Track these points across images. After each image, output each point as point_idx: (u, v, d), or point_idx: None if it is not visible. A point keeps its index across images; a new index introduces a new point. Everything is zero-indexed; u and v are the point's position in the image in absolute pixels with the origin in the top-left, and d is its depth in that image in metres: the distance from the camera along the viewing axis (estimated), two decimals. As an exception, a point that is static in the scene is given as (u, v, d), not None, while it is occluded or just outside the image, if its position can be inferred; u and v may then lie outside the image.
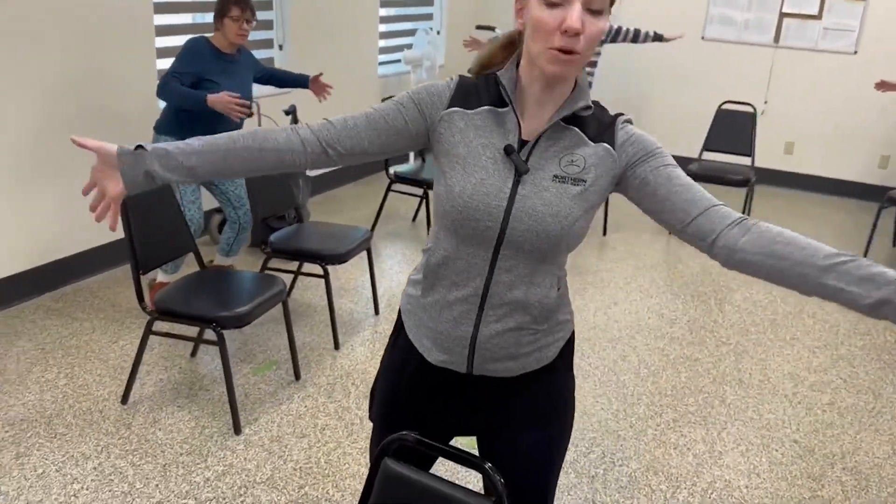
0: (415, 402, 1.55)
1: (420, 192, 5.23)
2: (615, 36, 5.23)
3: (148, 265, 2.93)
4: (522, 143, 1.36)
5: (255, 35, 5.07)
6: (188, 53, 3.50)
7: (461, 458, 1.31)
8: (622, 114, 1.41)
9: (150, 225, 2.93)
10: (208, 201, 4.39)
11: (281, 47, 5.27)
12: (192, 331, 3.25)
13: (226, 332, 2.82)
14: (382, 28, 6.32)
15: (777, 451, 2.95)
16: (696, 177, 5.26)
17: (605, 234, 5.35)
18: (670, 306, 4.23)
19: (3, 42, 3.47)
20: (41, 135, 3.73)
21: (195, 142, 1.36)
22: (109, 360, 3.32)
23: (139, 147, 1.33)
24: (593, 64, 5.52)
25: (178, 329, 3.13)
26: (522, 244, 1.35)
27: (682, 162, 6.82)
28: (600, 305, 4.18)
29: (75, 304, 3.83)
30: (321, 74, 4.16)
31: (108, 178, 1.35)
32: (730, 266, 1.29)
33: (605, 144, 1.36)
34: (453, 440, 1.57)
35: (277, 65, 5.28)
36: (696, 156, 5.83)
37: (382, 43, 6.37)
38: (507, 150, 1.34)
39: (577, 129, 1.36)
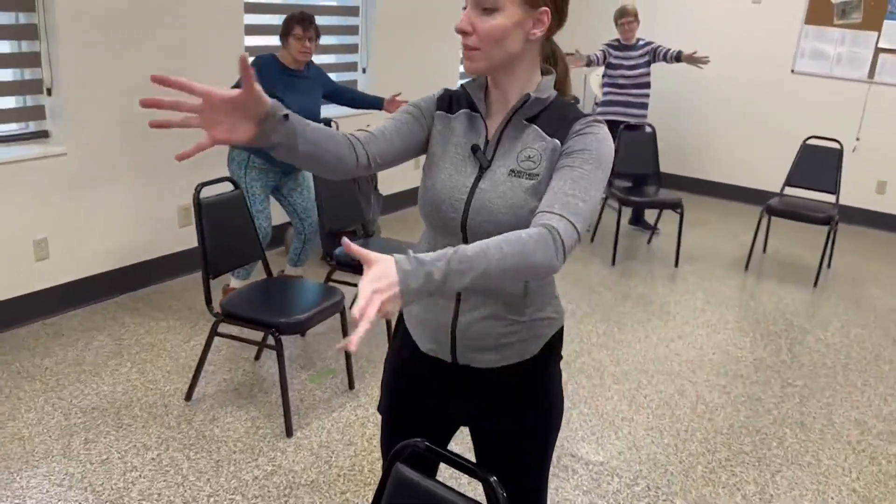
0: (413, 390, 1.65)
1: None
2: (654, 55, 5.49)
3: (218, 270, 3.10)
4: (489, 142, 1.47)
5: (340, 58, 5.27)
6: (256, 70, 3.68)
7: (467, 468, 1.36)
8: (590, 115, 1.43)
9: (221, 232, 3.10)
10: (281, 214, 4.58)
11: (364, 70, 5.46)
12: (257, 335, 3.40)
13: (286, 339, 2.94)
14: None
15: (833, 499, 2.83)
16: (777, 212, 5.13)
17: (676, 265, 5.26)
18: (737, 343, 4.13)
19: (94, 42, 3.75)
20: (127, 139, 3.99)
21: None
22: (179, 359, 3.50)
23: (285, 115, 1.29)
24: (646, 85, 5.57)
25: (245, 333, 3.28)
26: (481, 234, 1.41)
27: (763, 196, 6.73)
28: (663, 338, 4.12)
29: (154, 304, 4.06)
30: (399, 94, 4.28)
31: (228, 124, 1.24)
32: None
33: (557, 140, 1.41)
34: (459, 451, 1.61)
35: (360, 88, 5.46)
36: (777, 190, 5.67)
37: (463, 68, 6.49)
38: (473, 149, 1.46)
39: (535, 126, 1.44)
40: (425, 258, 1.16)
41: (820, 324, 4.46)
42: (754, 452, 3.09)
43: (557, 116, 1.43)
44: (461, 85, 1.52)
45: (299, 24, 3.65)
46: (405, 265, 1.14)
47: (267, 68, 3.69)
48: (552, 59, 1.49)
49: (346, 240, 1.16)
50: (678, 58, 5.49)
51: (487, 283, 1.21)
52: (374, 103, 4.23)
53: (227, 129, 1.24)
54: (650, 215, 6.27)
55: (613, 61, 5.56)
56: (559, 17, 1.41)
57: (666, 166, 7.27)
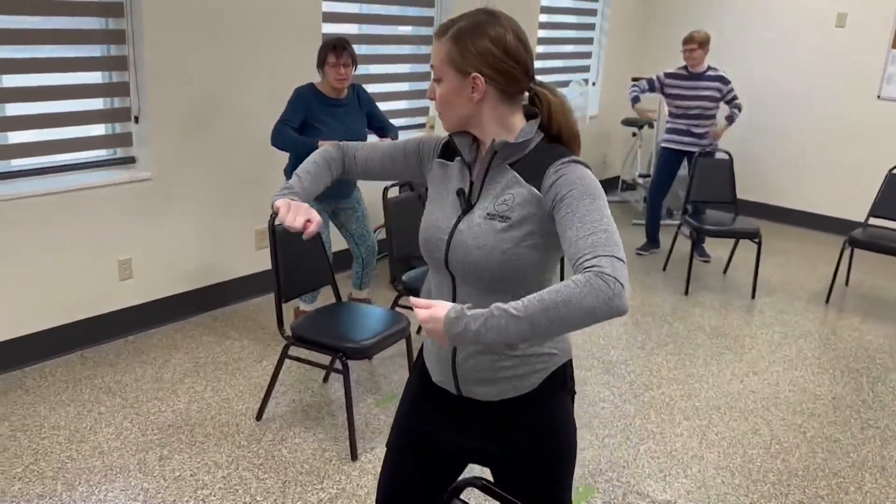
0: (425, 423, 1.72)
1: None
2: (729, 101, 5.46)
3: (290, 294, 3.18)
4: (473, 185, 1.58)
5: (415, 85, 5.36)
6: (294, 101, 3.71)
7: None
8: (566, 157, 1.47)
9: (294, 257, 3.18)
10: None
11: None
12: (326, 358, 3.46)
13: (353, 363, 2.99)
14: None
15: (917, 551, 2.69)
16: (861, 243, 4.93)
17: (753, 296, 5.11)
18: (815, 380, 3.97)
19: (179, 71, 3.93)
20: (208, 165, 4.15)
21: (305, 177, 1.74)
22: (252, 378, 3.60)
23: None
24: (711, 116, 5.50)
25: (314, 356, 3.35)
26: (460, 272, 1.55)
27: (846, 226, 6.49)
28: (737, 373, 4.00)
29: (230, 324, 4.19)
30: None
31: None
32: None
33: (533, 188, 1.47)
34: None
35: (431, 113, 5.54)
36: (861, 220, 5.45)
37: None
38: (458, 193, 1.57)
39: (514, 171, 1.51)
40: (471, 311, 1.31)
41: (906, 362, 4.25)
42: (830, 497, 2.96)
43: (535, 161, 1.49)
44: (449, 134, 1.62)
45: (332, 51, 3.63)
46: (451, 313, 1.32)
47: (303, 101, 3.70)
48: (537, 102, 1.54)
49: (413, 299, 1.39)
50: (730, 120, 5.50)
51: (540, 334, 1.28)
52: (393, 133, 4.06)
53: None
54: (726, 245, 6.11)
55: (676, 91, 5.45)
56: (503, 77, 1.46)
57: (743, 193, 7.09)
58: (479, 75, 1.45)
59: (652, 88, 5.55)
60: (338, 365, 3.05)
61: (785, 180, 6.97)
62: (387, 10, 5.03)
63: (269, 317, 4.30)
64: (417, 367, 1.78)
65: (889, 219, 5.23)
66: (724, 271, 5.62)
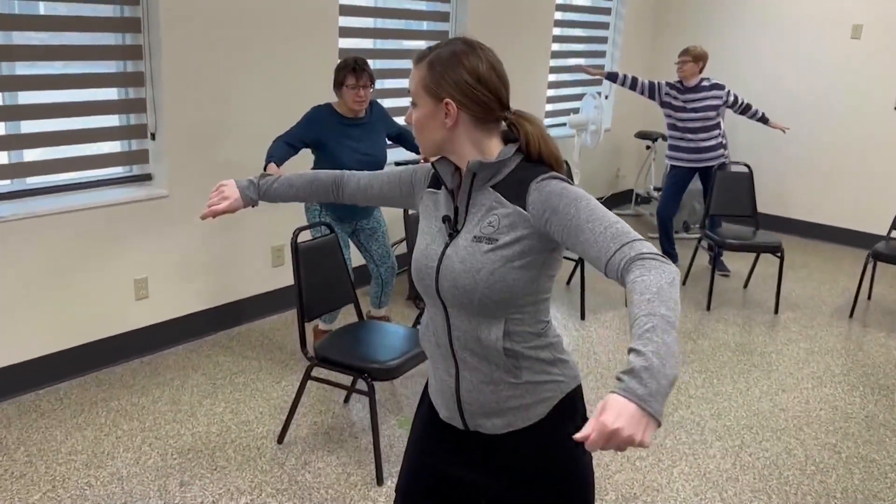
0: (434, 461, 1.68)
1: (575, 255, 5.18)
2: (733, 104, 5.44)
3: (312, 314, 3.11)
4: (458, 210, 1.56)
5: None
6: (307, 120, 3.64)
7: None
8: (546, 172, 1.47)
9: (316, 276, 3.11)
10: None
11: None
12: (347, 378, 3.38)
13: (376, 384, 2.91)
14: (550, 93, 6.41)
15: (968, 578, 2.59)
16: (884, 257, 4.85)
17: (776, 311, 5.02)
18: (846, 398, 3.88)
19: (196, 88, 3.87)
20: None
21: (291, 178, 1.90)
22: (272, 399, 3.52)
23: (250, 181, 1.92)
24: (715, 127, 5.46)
25: (335, 376, 3.27)
26: (452, 299, 1.52)
27: (868, 239, 6.41)
28: (766, 391, 3.91)
29: (247, 343, 4.11)
30: None
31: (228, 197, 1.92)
32: None
33: (518, 207, 1.46)
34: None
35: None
36: (884, 233, 5.36)
37: (549, 107, 6.46)
38: (444, 220, 1.57)
39: (497, 192, 1.50)
40: (639, 373, 1.13)
41: (937, 379, 4.16)
42: (874, 521, 2.87)
43: (516, 181, 1.49)
44: (431, 163, 1.62)
45: (352, 72, 3.55)
46: (636, 391, 1.12)
47: (318, 120, 3.63)
48: (514, 130, 1.53)
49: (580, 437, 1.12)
50: (764, 120, 5.55)
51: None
52: (415, 149, 4.08)
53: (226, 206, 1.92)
54: (744, 259, 6.03)
55: (675, 103, 5.39)
56: (476, 105, 1.47)
57: (764, 206, 7.02)
58: (452, 101, 1.47)
59: (651, 91, 5.49)
60: (362, 385, 2.97)
61: (803, 193, 6.89)
62: (403, 24, 4.98)
63: (286, 336, 4.22)
64: (424, 404, 1.74)
65: (913, 232, 5.15)
66: (745, 286, 5.54)
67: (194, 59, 3.77)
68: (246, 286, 4.33)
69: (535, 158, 1.51)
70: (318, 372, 3.28)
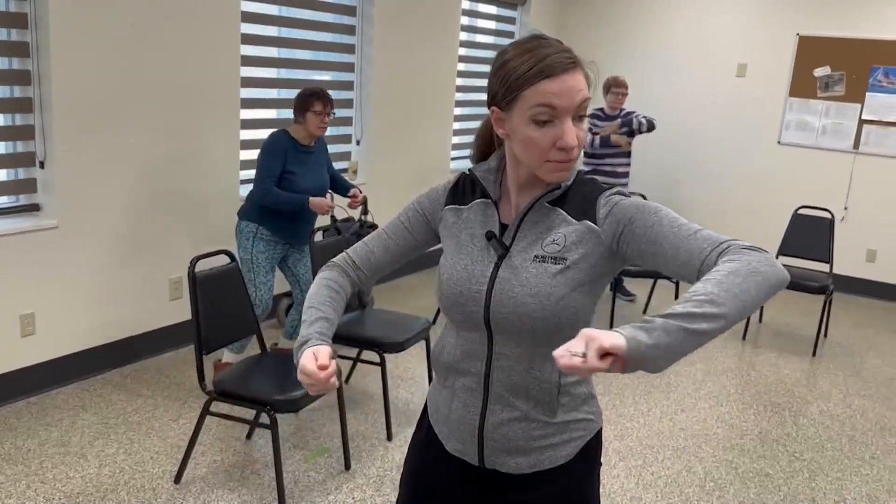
0: (435, 494, 1.53)
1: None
2: (639, 127, 5.54)
3: (211, 345, 3.00)
4: (504, 227, 1.41)
5: (333, 130, 5.30)
6: (272, 152, 3.65)
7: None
8: (611, 187, 1.39)
9: (215, 306, 3.02)
10: (279, 284, 4.50)
11: (359, 142, 5.48)
12: (250, 412, 3.28)
13: (280, 416, 2.83)
14: (456, 126, 6.52)
15: (854, 582, 2.71)
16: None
17: (673, 336, 5.20)
18: (741, 416, 4.04)
19: (88, 116, 3.74)
20: (119, 212, 3.94)
21: (329, 317, 1.52)
22: (168, 439, 3.36)
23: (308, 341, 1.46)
24: (627, 154, 5.65)
25: (237, 411, 3.16)
26: (507, 327, 1.35)
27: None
28: (666, 411, 4.03)
29: (142, 380, 3.93)
30: (357, 195, 4.06)
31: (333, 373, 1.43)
32: None
33: (588, 222, 1.35)
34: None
35: (354, 158, 5.48)
36: (771, 260, 5.65)
37: (456, 140, 6.55)
38: (488, 236, 1.40)
39: (559, 209, 1.38)
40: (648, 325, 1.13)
41: (822, 395, 4.39)
42: (768, 532, 2.97)
43: (581, 197, 1.38)
44: (469, 169, 1.49)
45: (320, 99, 3.65)
46: (624, 331, 1.11)
47: (280, 148, 3.67)
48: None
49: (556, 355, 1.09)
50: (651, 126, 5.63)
51: (740, 314, 1.14)
52: (344, 190, 4.10)
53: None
54: (647, 284, 6.24)
55: (596, 131, 5.61)
56: (514, 99, 1.30)
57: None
58: (496, 109, 1.38)
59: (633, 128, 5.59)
60: (264, 419, 2.88)
61: (699, 221, 7.20)
62: (311, 14, 4.90)
63: (184, 372, 4.06)
64: (423, 431, 1.58)
65: (796, 257, 5.46)
66: (644, 311, 5.72)
67: (86, 83, 3.64)
68: (141, 321, 4.15)
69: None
70: (219, 407, 3.16)
